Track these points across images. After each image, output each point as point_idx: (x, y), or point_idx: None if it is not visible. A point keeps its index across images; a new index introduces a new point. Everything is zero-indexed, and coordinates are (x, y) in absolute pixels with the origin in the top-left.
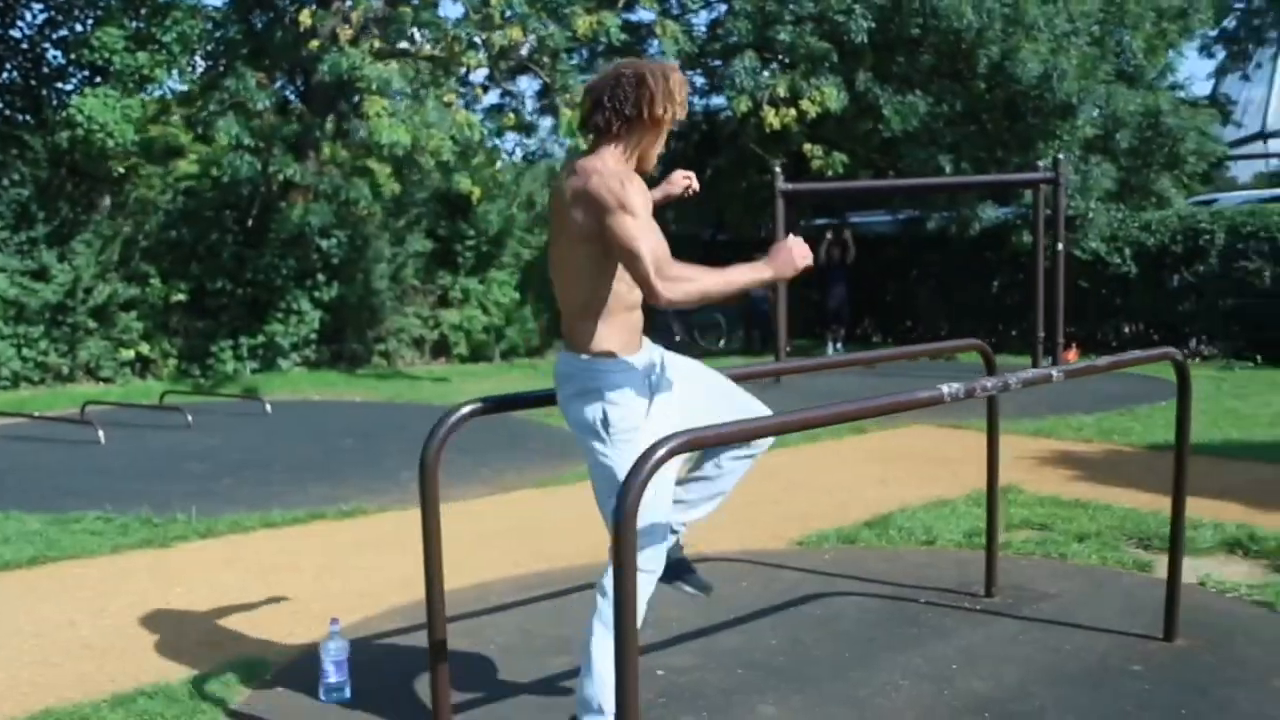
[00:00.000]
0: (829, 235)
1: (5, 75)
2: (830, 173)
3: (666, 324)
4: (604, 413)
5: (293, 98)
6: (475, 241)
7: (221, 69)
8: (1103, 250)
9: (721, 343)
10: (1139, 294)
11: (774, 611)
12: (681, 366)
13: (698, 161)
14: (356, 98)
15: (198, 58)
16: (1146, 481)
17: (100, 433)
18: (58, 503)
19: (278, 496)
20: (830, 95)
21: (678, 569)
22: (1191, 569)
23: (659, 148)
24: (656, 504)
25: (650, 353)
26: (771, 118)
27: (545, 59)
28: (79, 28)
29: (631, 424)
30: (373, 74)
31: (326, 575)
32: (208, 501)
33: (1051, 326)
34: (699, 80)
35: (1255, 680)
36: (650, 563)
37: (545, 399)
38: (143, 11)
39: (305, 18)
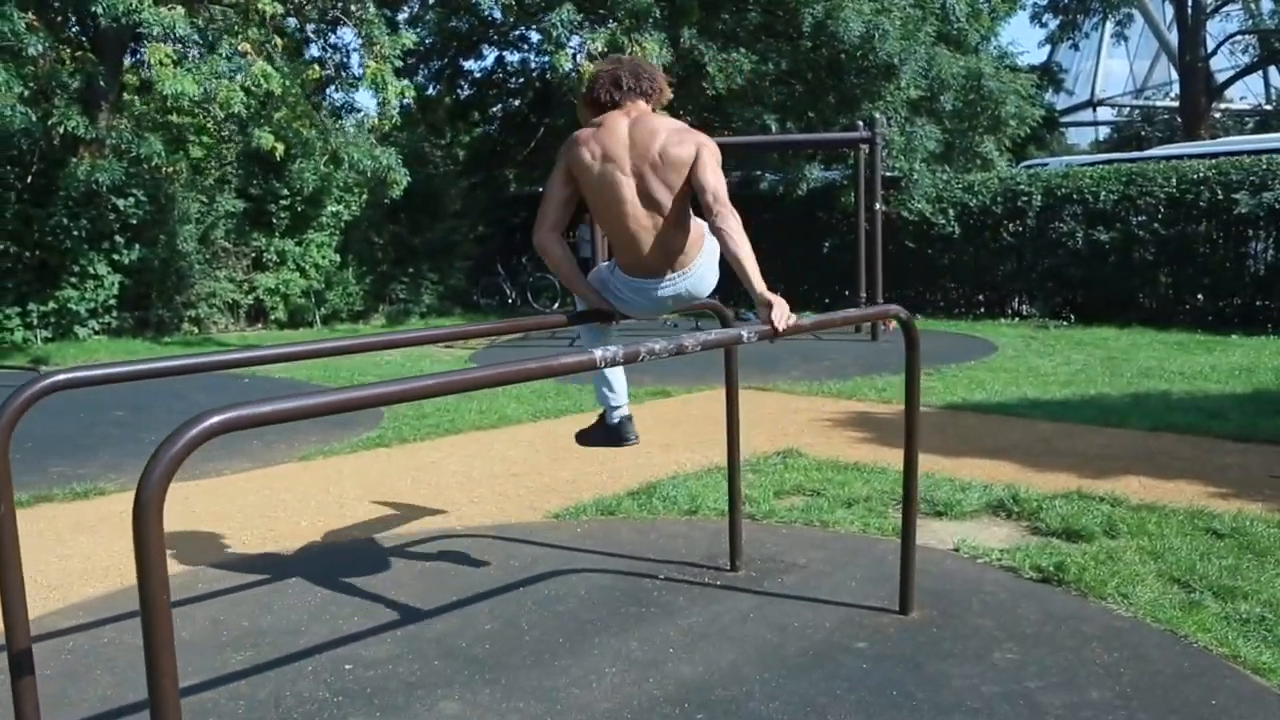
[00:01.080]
0: None
1: None
2: None
3: (497, 286)
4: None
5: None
6: (290, 201)
7: None
8: (928, 211)
9: (555, 305)
10: (963, 255)
11: (499, 593)
12: None
13: (533, 120)
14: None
15: None
16: (931, 442)
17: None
18: None
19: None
20: (651, 51)
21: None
22: (951, 533)
23: None
24: None
25: None
26: (586, 70)
27: (354, 10)
28: None
29: None
30: (153, 18)
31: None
32: None
33: (871, 287)
34: (534, 36)
35: (977, 654)
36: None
37: (169, 372)
38: None
39: None
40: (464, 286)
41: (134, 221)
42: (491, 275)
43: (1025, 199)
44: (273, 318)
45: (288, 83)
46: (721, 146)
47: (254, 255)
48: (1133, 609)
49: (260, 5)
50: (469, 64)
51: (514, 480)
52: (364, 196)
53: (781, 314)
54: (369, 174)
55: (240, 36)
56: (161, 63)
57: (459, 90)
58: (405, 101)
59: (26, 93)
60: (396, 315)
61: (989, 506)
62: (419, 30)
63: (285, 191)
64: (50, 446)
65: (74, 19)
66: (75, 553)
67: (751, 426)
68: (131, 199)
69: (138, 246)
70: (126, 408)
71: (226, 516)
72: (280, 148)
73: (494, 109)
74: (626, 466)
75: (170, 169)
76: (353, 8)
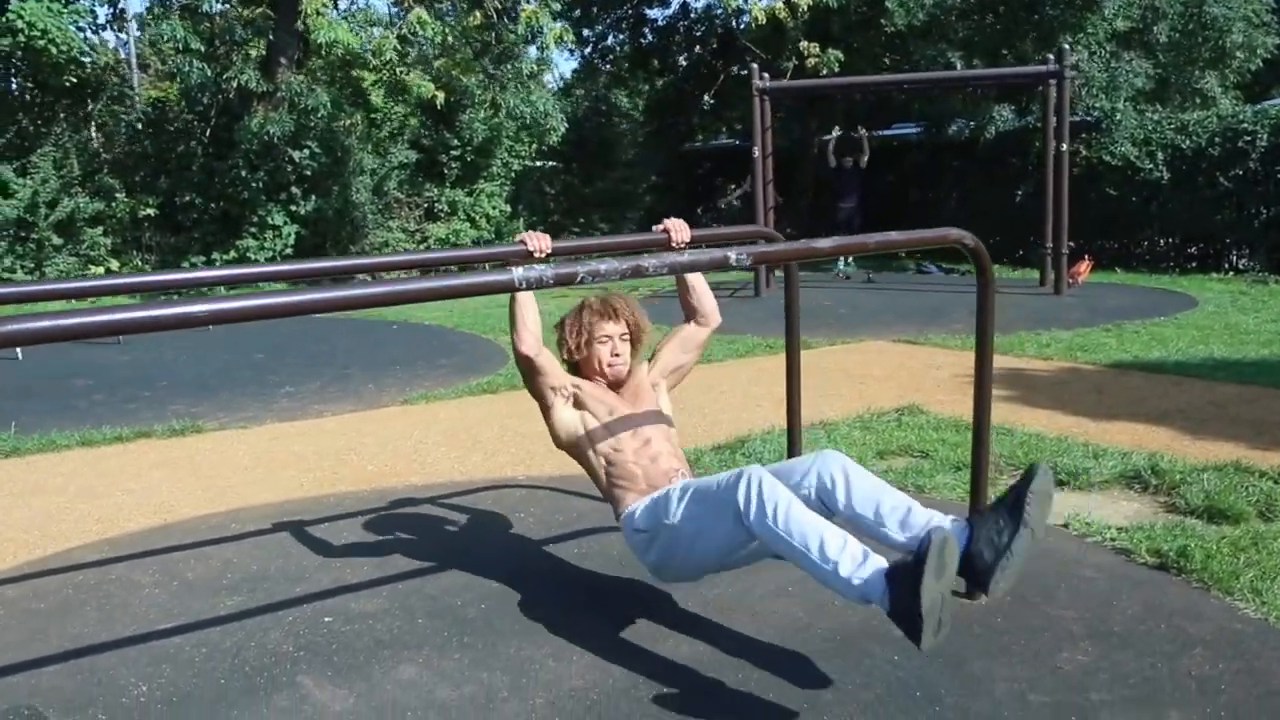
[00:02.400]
0: (834, 135)
1: None
2: (826, 71)
3: None
4: None
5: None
6: (461, 151)
7: None
8: (1132, 155)
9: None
10: (1172, 203)
11: (528, 550)
12: None
13: (716, 67)
14: None
15: None
16: (1082, 403)
17: (18, 350)
18: None
19: (130, 414)
20: None
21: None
22: (1067, 506)
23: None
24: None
25: None
26: (758, 13)
27: None
28: None
29: None
30: None
31: (85, 497)
32: (58, 418)
33: (1057, 237)
34: None
35: (1039, 653)
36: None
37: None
38: None
39: None
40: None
41: (309, 173)
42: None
43: (1248, 139)
44: (443, 269)
45: (447, 29)
46: (892, 83)
47: (426, 205)
48: (1265, 610)
49: None
50: (652, 12)
51: None
52: (533, 146)
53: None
54: (527, 120)
55: None
56: (318, 12)
57: (642, 38)
58: (567, 46)
59: (204, 49)
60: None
61: (1122, 477)
62: None
63: (456, 142)
64: (182, 386)
65: None
66: (143, 488)
67: (882, 381)
68: (306, 151)
69: (314, 198)
70: (267, 350)
71: (301, 459)
72: (440, 96)
73: (679, 58)
74: (729, 419)
75: (349, 121)
76: None
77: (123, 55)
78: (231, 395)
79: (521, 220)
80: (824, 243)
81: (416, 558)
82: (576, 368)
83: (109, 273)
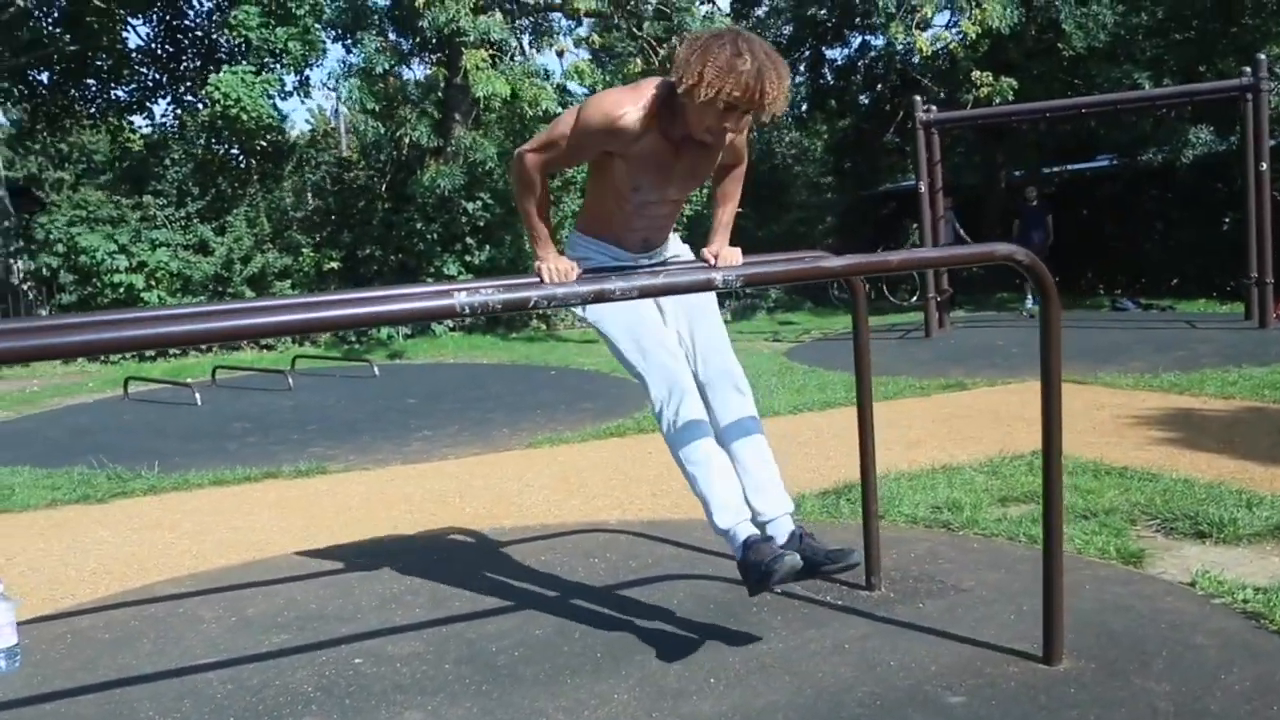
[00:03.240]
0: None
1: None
2: (999, 100)
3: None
4: None
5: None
6: None
7: (348, 38)
8: None
9: (914, 298)
10: None
11: (585, 595)
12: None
13: (897, 105)
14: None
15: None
16: (1256, 446)
17: (197, 395)
18: (75, 458)
19: (270, 455)
20: (993, 12)
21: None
22: (1202, 561)
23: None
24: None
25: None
26: (923, 44)
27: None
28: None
29: None
30: (470, 25)
31: (194, 533)
32: (208, 460)
33: (1261, 266)
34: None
35: None
36: (691, 456)
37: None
38: None
39: None
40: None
41: (481, 224)
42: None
43: None
44: None
45: (605, 77)
46: (1068, 107)
47: None
48: None
49: (577, 4)
50: (831, 52)
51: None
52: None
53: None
54: None
55: (557, 37)
56: (478, 66)
57: (821, 79)
58: None
59: (378, 108)
60: (742, 310)
61: (1276, 530)
62: (778, 17)
63: None
64: (330, 429)
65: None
66: (248, 526)
67: (1032, 424)
68: (479, 202)
69: (487, 247)
70: (421, 395)
71: (407, 500)
72: None
73: (859, 97)
74: (849, 462)
75: None
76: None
77: (332, 122)
78: (371, 438)
79: None
80: (834, 262)
81: (470, 601)
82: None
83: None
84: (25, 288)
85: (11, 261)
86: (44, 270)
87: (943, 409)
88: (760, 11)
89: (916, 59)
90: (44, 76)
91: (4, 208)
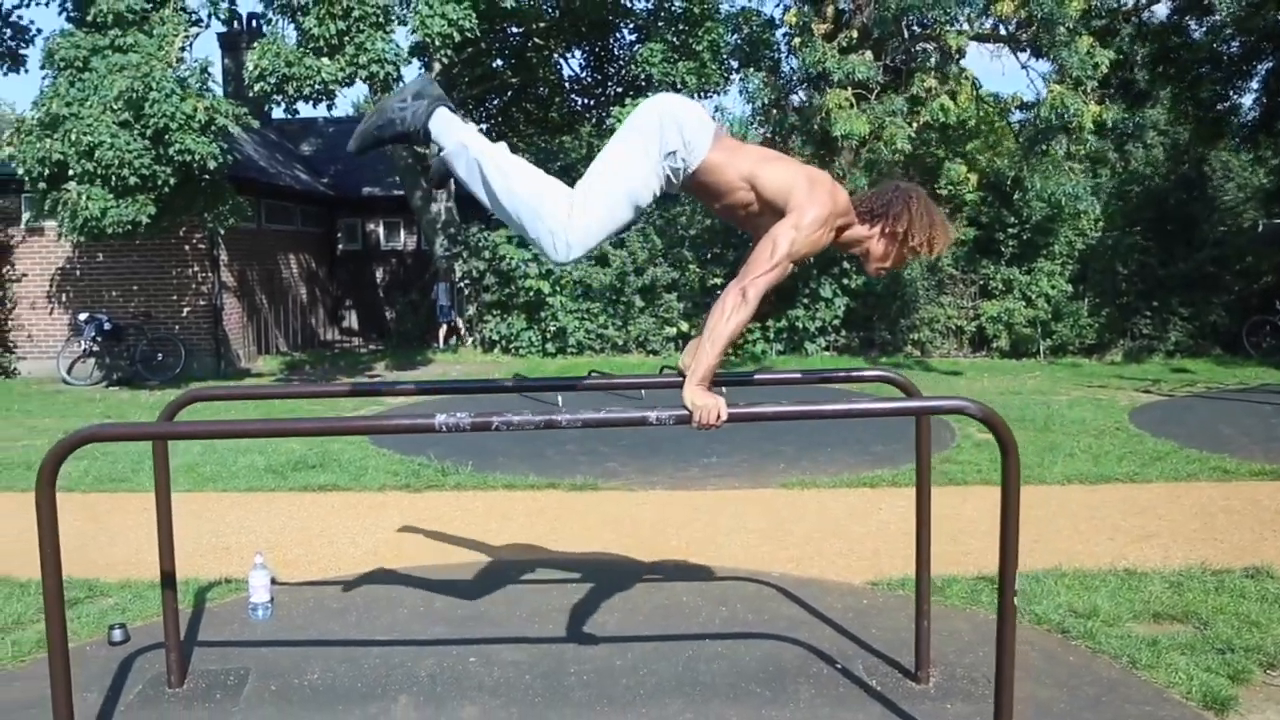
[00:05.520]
0: None
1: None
2: None
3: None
4: None
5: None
6: (1018, 229)
7: (736, 72)
8: None
9: None
10: None
11: (644, 643)
12: None
13: None
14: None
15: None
16: None
17: (559, 398)
18: (425, 448)
19: (572, 468)
20: None
21: None
22: None
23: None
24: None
25: None
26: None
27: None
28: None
29: None
30: (835, 65)
31: (454, 527)
32: (520, 464)
33: None
34: None
35: None
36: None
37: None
38: (680, 27)
39: (791, 17)
40: (1228, 324)
41: None
42: (1266, 314)
43: None
44: (995, 346)
45: (975, 114)
46: None
47: (980, 282)
48: None
49: (949, 40)
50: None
51: (898, 540)
52: (1099, 224)
53: (702, 420)
54: (1061, 202)
55: (927, 73)
56: (840, 106)
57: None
58: (1111, 122)
59: (759, 139)
60: (1137, 352)
61: None
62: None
63: (1013, 220)
64: (635, 449)
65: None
66: (499, 529)
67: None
68: None
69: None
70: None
71: (634, 524)
72: (972, 179)
73: None
74: (1025, 550)
75: None
76: (1043, 33)
77: None
78: (663, 460)
79: (1086, 301)
80: (768, 408)
81: (589, 624)
82: (857, 226)
83: (680, 333)
84: (462, 284)
85: (453, 263)
86: (474, 272)
87: (1227, 499)
88: (1197, 29)
89: None
90: (494, 102)
91: (451, 217)
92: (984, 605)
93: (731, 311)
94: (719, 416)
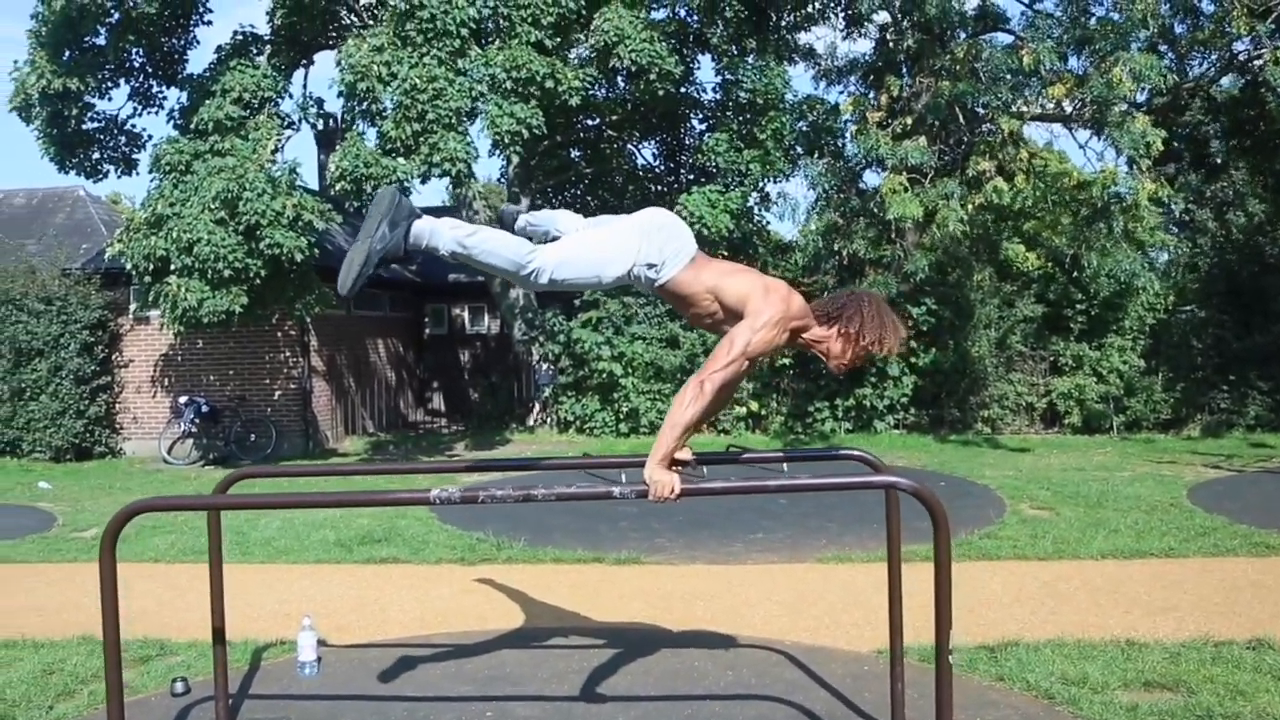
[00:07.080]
0: None
1: (680, 176)
2: None
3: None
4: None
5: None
6: (1086, 305)
7: (801, 158)
8: None
9: None
10: None
11: (687, 699)
12: None
13: None
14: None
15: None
16: None
17: (623, 475)
18: (487, 524)
19: (628, 543)
20: None
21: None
22: None
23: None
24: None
25: None
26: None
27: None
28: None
29: None
30: (888, 152)
31: (489, 601)
32: (572, 539)
33: None
34: None
35: None
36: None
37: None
38: (744, 117)
39: (848, 105)
40: None
41: (925, 328)
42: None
43: None
44: (1067, 422)
45: (1035, 195)
46: None
47: (1050, 359)
48: None
49: (1002, 124)
50: None
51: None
52: (1169, 298)
53: (658, 494)
54: (1120, 279)
55: (981, 156)
56: (892, 190)
57: None
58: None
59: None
60: (1215, 427)
61: None
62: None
63: (1081, 296)
64: (691, 526)
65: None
66: (537, 600)
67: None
68: (924, 307)
69: (932, 350)
70: (801, 499)
71: (664, 596)
72: (1033, 258)
73: None
74: (1039, 622)
75: (978, 277)
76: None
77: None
78: (710, 534)
79: (1159, 376)
80: (716, 484)
81: (613, 687)
82: (816, 328)
83: (750, 413)
84: (541, 365)
85: (532, 346)
86: (550, 355)
87: (1260, 574)
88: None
89: None
90: (572, 192)
91: (529, 302)
92: (979, 673)
93: (690, 402)
94: (673, 491)
